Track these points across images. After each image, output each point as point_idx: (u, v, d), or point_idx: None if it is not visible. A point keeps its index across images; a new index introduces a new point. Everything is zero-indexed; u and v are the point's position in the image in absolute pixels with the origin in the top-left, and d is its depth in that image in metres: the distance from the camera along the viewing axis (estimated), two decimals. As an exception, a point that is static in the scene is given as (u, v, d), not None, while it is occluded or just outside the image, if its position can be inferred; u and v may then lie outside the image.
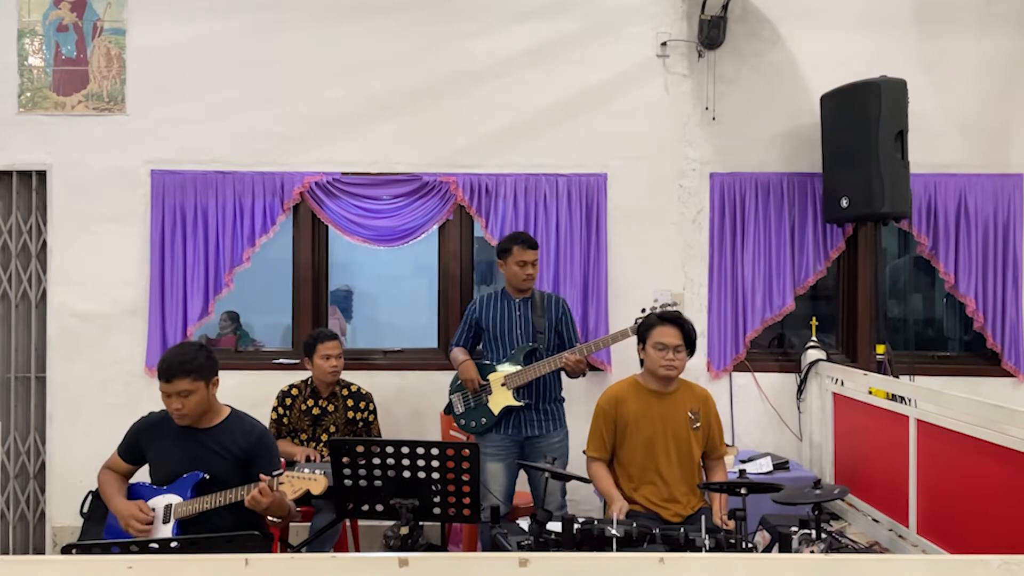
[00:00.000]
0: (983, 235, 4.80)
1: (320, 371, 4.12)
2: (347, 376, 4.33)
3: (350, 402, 4.19)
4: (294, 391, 4.20)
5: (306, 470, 2.92)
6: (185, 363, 2.94)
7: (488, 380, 3.93)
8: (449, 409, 4.07)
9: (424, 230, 4.79)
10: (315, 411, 4.16)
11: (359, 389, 4.25)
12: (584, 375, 4.05)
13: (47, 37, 4.76)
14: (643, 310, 3.76)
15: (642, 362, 3.52)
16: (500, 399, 3.89)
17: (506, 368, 3.92)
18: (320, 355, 4.11)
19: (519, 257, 3.94)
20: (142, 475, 3.14)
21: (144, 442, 3.10)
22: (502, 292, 4.06)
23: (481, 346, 4.12)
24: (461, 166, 4.78)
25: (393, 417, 4.65)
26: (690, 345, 3.44)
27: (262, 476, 2.88)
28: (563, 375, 4.00)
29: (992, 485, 3.18)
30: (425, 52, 4.80)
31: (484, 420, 3.91)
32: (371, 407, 4.24)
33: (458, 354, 4.03)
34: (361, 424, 4.19)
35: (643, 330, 3.50)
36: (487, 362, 3.99)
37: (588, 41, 4.81)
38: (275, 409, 4.18)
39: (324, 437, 4.15)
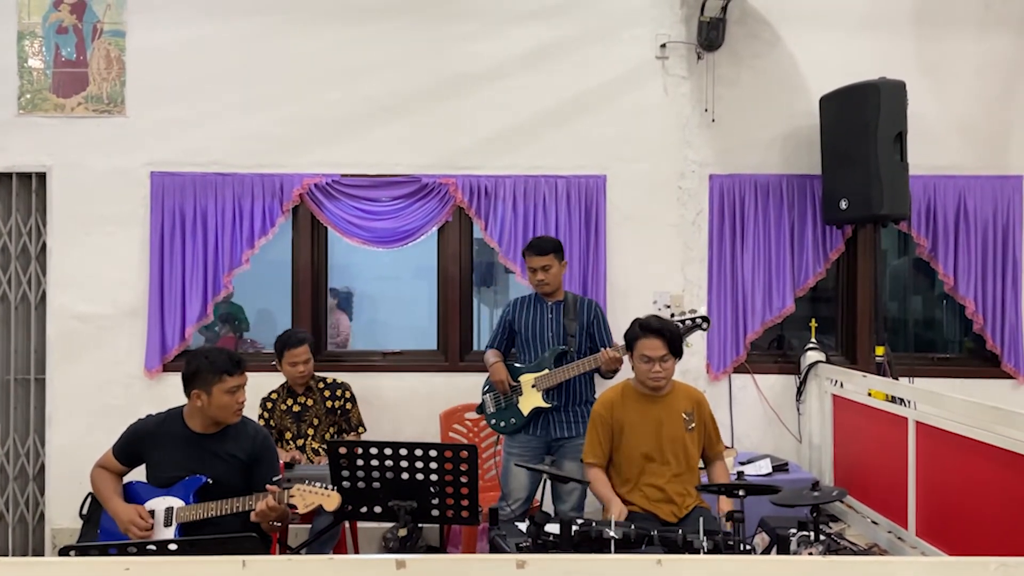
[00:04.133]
0: (982, 237, 4.79)
1: (289, 376, 4.19)
2: (345, 377, 4.40)
3: (327, 392, 4.26)
4: (273, 395, 4.27)
5: (317, 484, 2.89)
6: (243, 358, 3.08)
7: (519, 381, 3.97)
8: (481, 408, 4.12)
9: (423, 232, 4.79)
10: (295, 408, 4.22)
11: (334, 380, 4.32)
12: (616, 373, 3.94)
13: (47, 39, 4.76)
14: (671, 315, 3.85)
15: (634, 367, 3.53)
16: (530, 400, 3.93)
17: (536, 370, 3.95)
18: (287, 362, 4.15)
19: (528, 264, 4.01)
20: (137, 474, 3.13)
21: (144, 445, 3.09)
22: (535, 295, 4.09)
23: (515, 348, 4.16)
24: (460, 168, 4.78)
25: (392, 419, 4.66)
26: (675, 351, 3.42)
27: (269, 487, 2.88)
28: (596, 377, 4.00)
29: (991, 487, 3.18)
30: (424, 54, 4.80)
31: (514, 420, 3.96)
32: (348, 395, 4.30)
33: (490, 356, 4.09)
34: (340, 412, 4.24)
35: (629, 340, 3.50)
36: (519, 364, 4.03)
37: (588, 43, 4.81)
38: (260, 416, 4.22)
39: (310, 432, 4.20)
